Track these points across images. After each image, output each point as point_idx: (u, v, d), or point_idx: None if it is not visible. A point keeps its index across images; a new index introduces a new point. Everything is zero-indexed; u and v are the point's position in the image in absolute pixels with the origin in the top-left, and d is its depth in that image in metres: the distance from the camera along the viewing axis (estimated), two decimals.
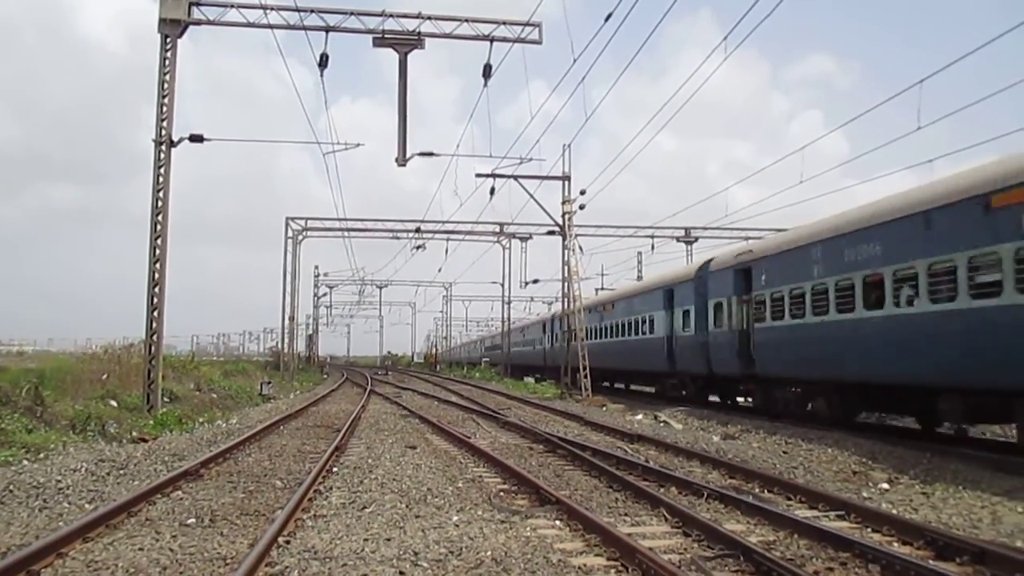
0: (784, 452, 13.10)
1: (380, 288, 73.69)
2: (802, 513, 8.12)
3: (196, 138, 20.02)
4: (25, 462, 10.88)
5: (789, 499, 9.03)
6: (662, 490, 9.41)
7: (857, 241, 14.45)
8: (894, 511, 8.31)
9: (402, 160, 21.19)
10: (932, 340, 12.38)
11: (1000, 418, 13.78)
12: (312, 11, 19.54)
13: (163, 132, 18.95)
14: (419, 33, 20.03)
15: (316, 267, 70.85)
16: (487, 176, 30.72)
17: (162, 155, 18.91)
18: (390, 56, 20.36)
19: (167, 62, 19.06)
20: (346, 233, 46.75)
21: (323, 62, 19.68)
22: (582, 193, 31.71)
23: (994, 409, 12.17)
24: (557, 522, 7.83)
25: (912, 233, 12.87)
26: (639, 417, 20.41)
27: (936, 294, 12.27)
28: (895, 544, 6.93)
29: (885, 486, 10.12)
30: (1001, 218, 10.82)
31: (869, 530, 7.48)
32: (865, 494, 9.52)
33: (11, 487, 8.90)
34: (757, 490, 9.51)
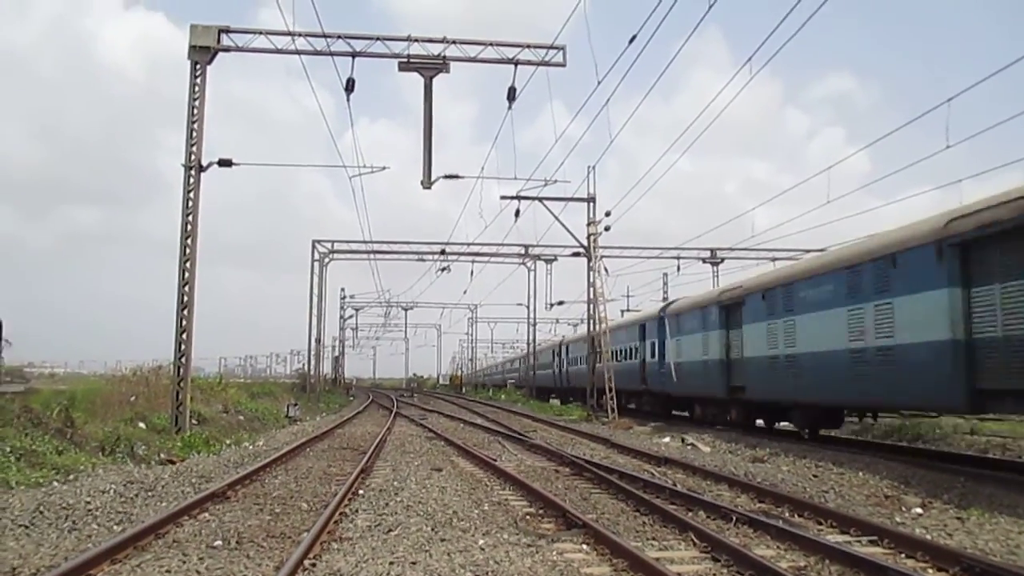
0: (814, 476, 12.90)
1: (406, 310, 74.03)
2: (834, 538, 7.98)
3: (225, 163, 20.31)
4: (55, 483, 10.98)
5: (820, 523, 8.88)
6: (690, 514, 9.30)
7: None
8: (928, 536, 8.13)
9: (427, 183, 21.30)
10: None
11: None
12: (339, 37, 19.80)
13: (192, 157, 19.26)
14: (444, 57, 20.22)
15: (342, 289, 71.25)
16: (512, 198, 30.81)
17: (191, 179, 19.21)
18: (409, 78, 20.57)
19: (197, 88, 19.40)
20: (372, 255, 47.09)
21: (350, 87, 19.90)
22: (607, 215, 31.68)
23: None
24: (584, 546, 7.76)
25: None
26: (666, 440, 20.22)
27: None
28: (930, 571, 6.79)
29: (919, 511, 9.92)
30: None
31: (903, 556, 7.33)
32: (898, 519, 9.33)
33: (41, 508, 8.98)
34: (787, 514, 9.37)
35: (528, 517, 9.32)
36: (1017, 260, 11.26)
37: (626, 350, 32.22)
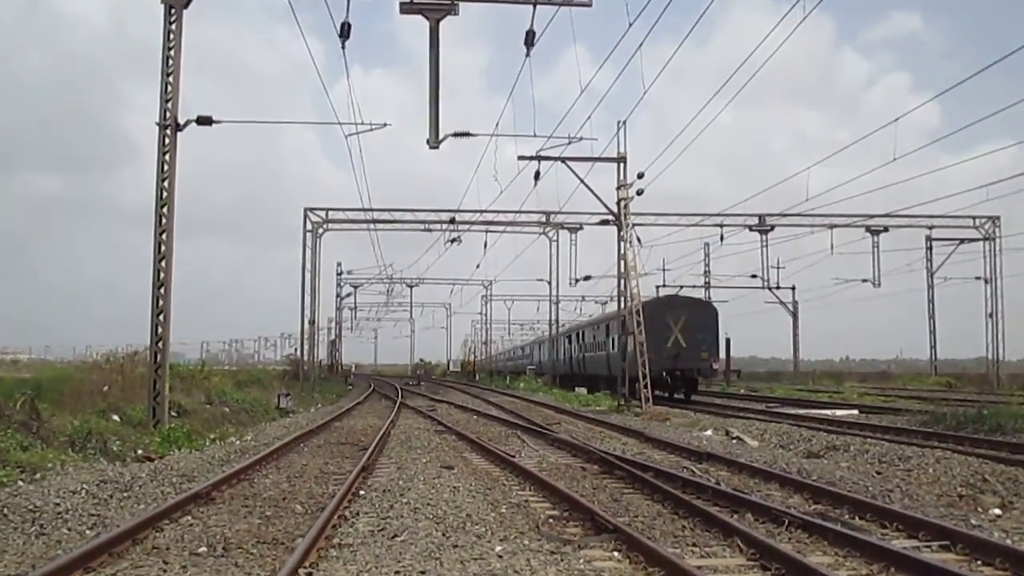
0: (877, 472, 12.89)
1: (410, 287, 74.26)
2: (900, 543, 7.97)
3: (204, 120, 20.13)
4: (20, 483, 11.12)
5: (884, 527, 8.88)
6: (736, 516, 9.31)
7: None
8: (1008, 541, 8.11)
9: (434, 142, 21.14)
10: None
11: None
12: None
13: (168, 114, 19.14)
14: None
15: (339, 264, 71.23)
16: (531, 159, 30.49)
17: (167, 140, 19.11)
18: (408, 22, 20.42)
19: (172, 36, 19.18)
20: (372, 225, 47.08)
21: (344, 31, 19.72)
22: (639, 177, 31.18)
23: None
24: (615, 553, 7.78)
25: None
26: (708, 433, 20.26)
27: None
28: None
29: (997, 512, 9.90)
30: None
31: (979, 563, 7.32)
32: (974, 521, 9.31)
33: (5, 510, 9.10)
34: (847, 517, 9.37)
35: (552, 520, 9.36)
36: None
37: None
